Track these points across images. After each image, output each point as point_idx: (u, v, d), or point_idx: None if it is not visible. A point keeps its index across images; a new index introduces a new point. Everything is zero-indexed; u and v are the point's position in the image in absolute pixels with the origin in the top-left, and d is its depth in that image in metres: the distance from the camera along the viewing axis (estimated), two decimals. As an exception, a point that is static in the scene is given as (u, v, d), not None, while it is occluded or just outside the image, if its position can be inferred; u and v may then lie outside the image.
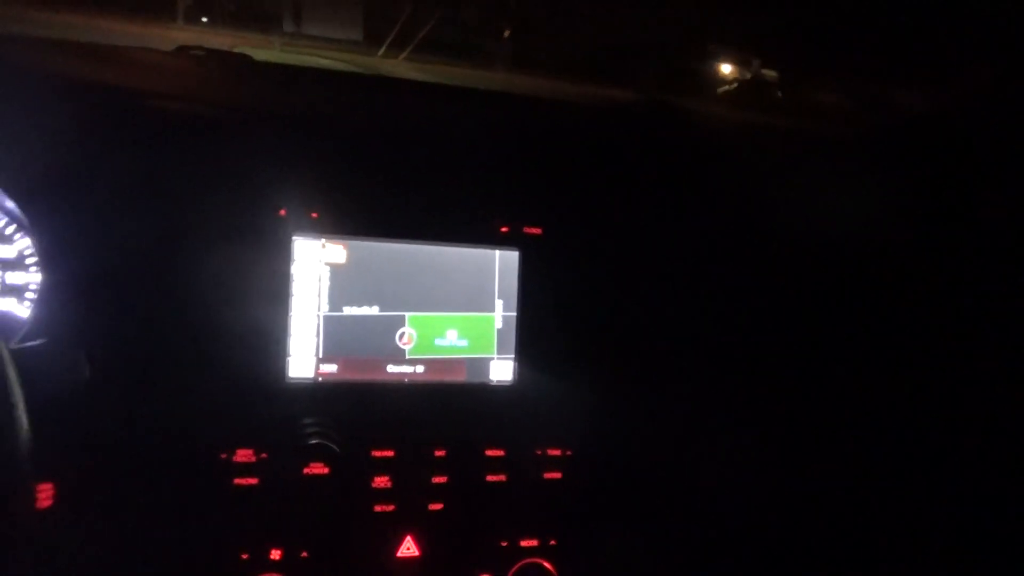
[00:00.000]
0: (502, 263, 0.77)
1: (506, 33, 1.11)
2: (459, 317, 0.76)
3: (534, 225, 0.78)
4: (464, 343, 0.76)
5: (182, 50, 0.99)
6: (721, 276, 0.84)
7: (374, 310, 0.74)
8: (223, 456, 0.67)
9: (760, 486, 0.83)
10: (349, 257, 0.73)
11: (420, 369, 0.75)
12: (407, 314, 0.75)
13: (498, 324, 0.77)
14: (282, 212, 0.71)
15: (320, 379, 0.72)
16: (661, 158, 0.89)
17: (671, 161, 0.90)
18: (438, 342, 0.76)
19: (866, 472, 0.88)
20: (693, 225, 0.85)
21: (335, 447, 0.68)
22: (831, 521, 0.88)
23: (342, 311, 0.73)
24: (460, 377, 0.76)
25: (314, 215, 0.72)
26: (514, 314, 0.77)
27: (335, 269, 0.73)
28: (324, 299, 0.73)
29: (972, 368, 0.90)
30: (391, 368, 0.74)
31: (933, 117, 1.03)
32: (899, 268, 0.93)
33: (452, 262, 0.76)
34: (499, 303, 0.77)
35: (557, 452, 0.76)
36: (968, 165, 0.93)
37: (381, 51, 1.12)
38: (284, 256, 0.71)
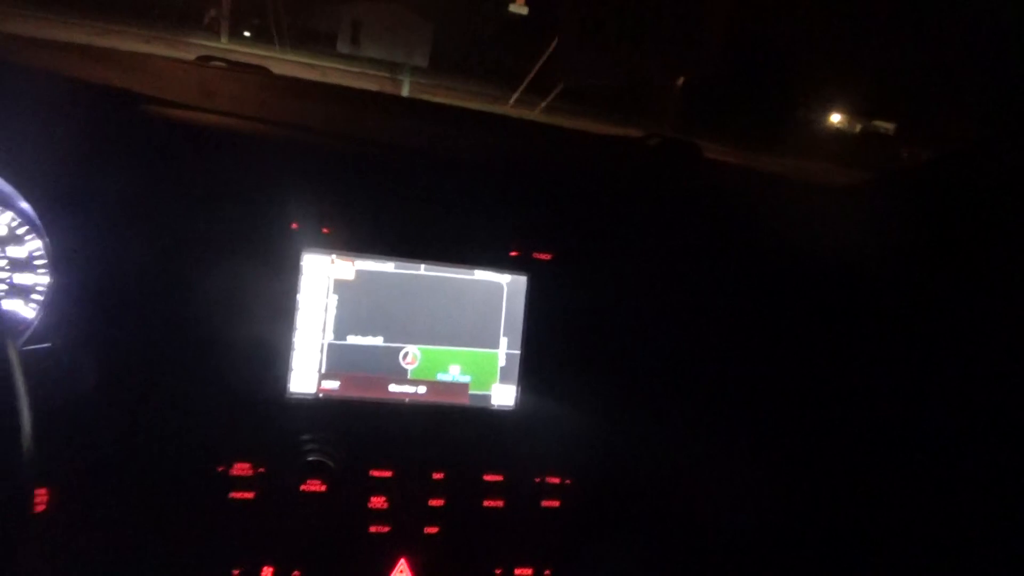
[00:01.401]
0: (509, 295, 0.77)
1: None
2: (462, 352, 0.76)
3: (544, 251, 0.78)
4: (467, 379, 0.76)
5: (203, 60, 1.01)
6: (730, 309, 0.84)
7: (378, 340, 0.74)
8: (220, 469, 0.67)
9: (764, 520, 0.82)
10: (357, 277, 0.73)
11: (422, 390, 0.75)
12: (410, 347, 0.75)
13: (501, 362, 0.77)
14: (294, 226, 0.71)
15: (321, 395, 0.72)
16: (673, 193, 0.90)
17: (683, 196, 0.91)
18: (440, 376, 0.75)
19: (872, 503, 0.87)
20: (703, 259, 0.85)
21: (333, 464, 0.67)
22: (837, 557, 0.87)
23: (346, 340, 0.73)
24: (462, 400, 0.76)
25: (326, 230, 0.72)
26: (518, 352, 0.77)
27: (342, 289, 0.73)
28: (330, 325, 0.72)
29: (975, 394, 0.90)
30: (393, 387, 0.74)
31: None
32: (899, 292, 0.93)
33: (458, 293, 0.76)
34: (504, 340, 0.77)
35: (556, 480, 0.76)
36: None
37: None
38: (293, 270, 0.71)
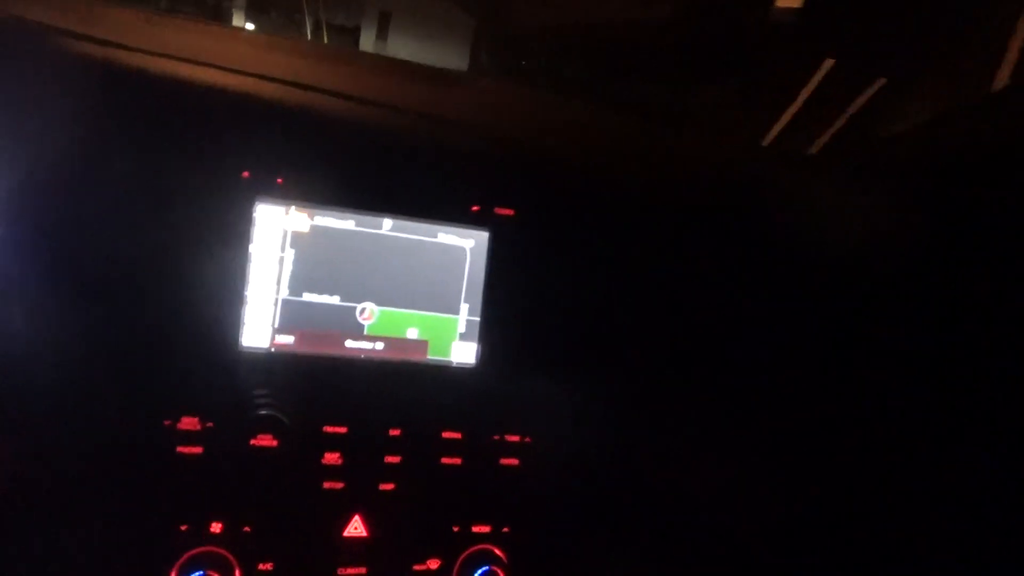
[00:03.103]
0: (473, 259, 0.75)
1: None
2: (421, 316, 0.74)
3: (506, 207, 0.76)
4: (426, 339, 0.75)
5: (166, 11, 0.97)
6: (699, 272, 0.84)
7: (335, 299, 0.72)
8: (167, 423, 0.65)
9: (722, 481, 0.82)
10: (315, 232, 0.71)
11: (380, 346, 0.73)
12: (368, 303, 0.73)
13: (461, 328, 0.75)
14: (246, 174, 0.69)
15: (274, 350, 0.70)
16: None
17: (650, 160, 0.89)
18: (398, 334, 0.74)
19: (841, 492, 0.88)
20: (670, 220, 0.84)
21: (285, 419, 0.65)
22: (792, 517, 0.87)
23: (301, 296, 0.71)
24: (421, 357, 0.74)
25: (279, 180, 0.70)
26: (478, 319, 0.75)
27: (299, 244, 0.70)
28: (285, 280, 0.70)
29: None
30: (350, 343, 0.72)
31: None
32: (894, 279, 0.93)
33: (420, 255, 0.74)
34: (465, 306, 0.75)
35: (516, 438, 0.75)
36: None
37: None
38: (245, 221, 0.69)
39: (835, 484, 0.89)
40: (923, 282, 0.94)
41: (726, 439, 0.82)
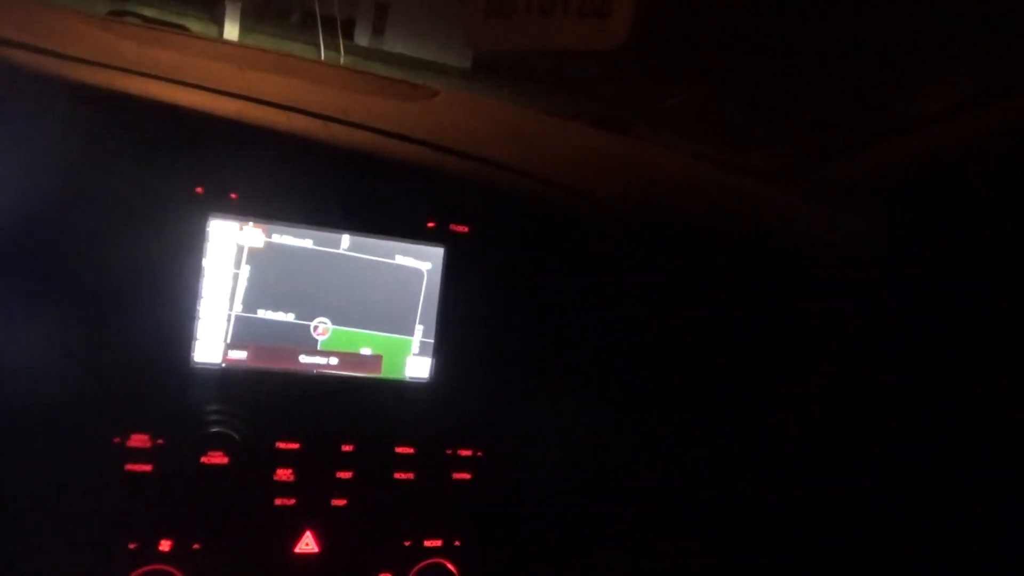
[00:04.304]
0: (429, 281, 0.76)
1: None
2: (375, 337, 0.75)
3: (461, 223, 0.77)
4: (380, 355, 0.75)
5: (115, 15, 0.95)
6: (654, 285, 0.85)
7: (289, 317, 0.72)
8: (116, 440, 0.64)
9: (676, 495, 0.84)
10: (270, 249, 0.71)
11: (334, 361, 0.74)
12: (322, 319, 0.73)
13: (415, 349, 0.76)
14: (199, 190, 0.69)
15: (226, 365, 0.70)
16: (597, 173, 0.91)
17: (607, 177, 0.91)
18: (352, 350, 0.74)
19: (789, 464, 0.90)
20: (626, 234, 0.86)
21: (236, 436, 0.66)
22: (745, 532, 0.90)
23: (255, 313, 0.71)
24: (374, 372, 0.75)
25: (234, 195, 0.70)
26: (432, 341, 0.76)
27: (252, 259, 0.70)
28: (239, 296, 0.70)
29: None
30: (303, 359, 0.72)
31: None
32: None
33: (377, 276, 0.74)
34: (419, 328, 0.76)
35: (469, 452, 0.76)
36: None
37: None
38: (198, 236, 0.68)
39: (790, 511, 0.91)
40: (894, 288, 0.98)
41: (680, 454, 0.84)
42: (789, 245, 0.99)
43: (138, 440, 0.65)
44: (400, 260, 0.75)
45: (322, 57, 1.19)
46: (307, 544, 0.70)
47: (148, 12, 1.29)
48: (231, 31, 1.35)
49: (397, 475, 0.73)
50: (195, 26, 1.36)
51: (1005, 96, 1.04)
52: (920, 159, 1.14)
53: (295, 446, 0.69)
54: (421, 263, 0.75)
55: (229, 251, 0.70)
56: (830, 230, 1.08)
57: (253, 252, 0.71)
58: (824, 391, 0.93)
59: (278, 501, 0.69)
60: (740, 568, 0.91)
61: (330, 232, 0.72)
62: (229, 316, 0.70)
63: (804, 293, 0.95)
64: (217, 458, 0.66)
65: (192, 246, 0.68)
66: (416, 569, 0.74)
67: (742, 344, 0.90)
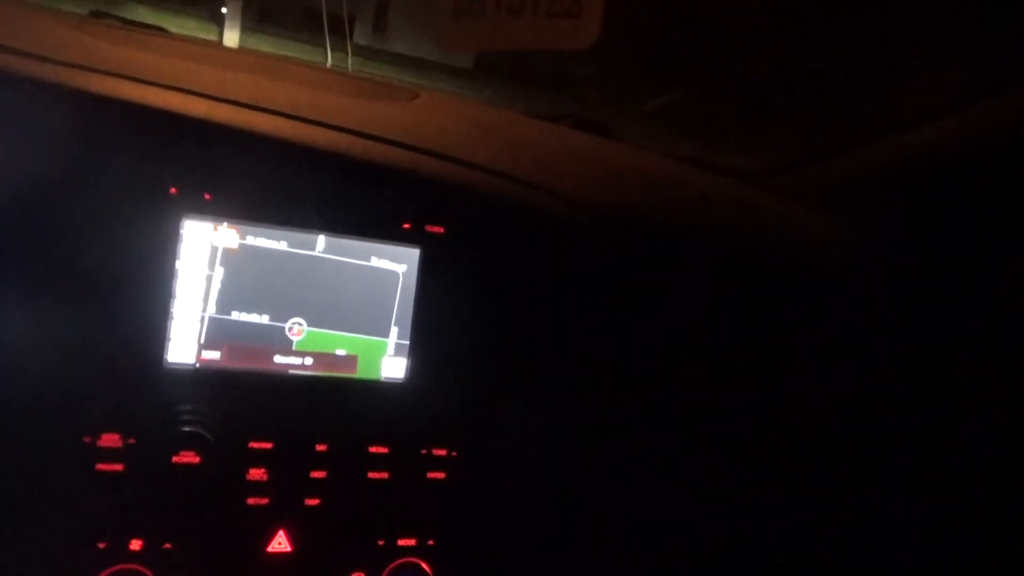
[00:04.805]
0: (404, 283, 0.76)
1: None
2: (351, 339, 0.75)
3: (437, 224, 0.77)
4: (355, 355, 0.75)
5: (97, 15, 0.95)
6: (631, 286, 0.86)
7: (264, 318, 0.72)
8: (87, 439, 0.64)
9: (652, 495, 0.85)
10: (244, 250, 0.71)
11: (308, 361, 0.74)
12: (297, 319, 0.73)
13: (390, 351, 0.76)
14: (173, 191, 0.69)
15: (200, 365, 0.70)
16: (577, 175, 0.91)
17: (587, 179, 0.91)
18: (327, 350, 0.74)
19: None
20: (603, 236, 0.86)
21: (208, 436, 0.66)
22: (719, 532, 0.90)
23: (229, 315, 0.71)
24: (349, 372, 0.75)
25: (207, 196, 0.70)
26: (407, 342, 0.76)
27: (227, 260, 0.71)
28: (213, 297, 0.70)
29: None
30: (278, 359, 0.73)
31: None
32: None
33: (352, 278, 0.74)
34: (395, 330, 0.76)
35: (443, 452, 0.76)
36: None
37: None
38: (172, 237, 0.69)
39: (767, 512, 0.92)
40: (877, 290, 0.99)
41: (653, 454, 0.84)
42: (771, 247, 0.99)
43: (109, 440, 0.65)
44: (376, 262, 0.75)
45: (328, 57, 1.19)
46: (280, 543, 0.71)
47: (143, 12, 1.29)
48: (231, 33, 1.36)
49: (371, 475, 0.73)
50: (194, 27, 1.36)
51: (990, 97, 1.06)
52: (903, 161, 1.15)
53: (268, 446, 0.70)
54: (397, 265, 0.76)
55: (203, 252, 0.70)
56: (812, 232, 1.09)
57: (227, 253, 0.71)
58: (799, 394, 0.94)
59: (251, 500, 0.69)
60: (718, 569, 0.92)
61: (305, 233, 0.73)
62: (203, 316, 0.70)
63: (785, 295, 0.96)
64: (188, 457, 0.66)
65: (166, 247, 0.68)
66: (390, 568, 0.74)
67: (720, 346, 0.91)
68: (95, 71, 0.71)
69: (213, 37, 1.33)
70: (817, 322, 0.96)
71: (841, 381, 0.96)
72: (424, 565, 0.75)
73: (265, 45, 1.28)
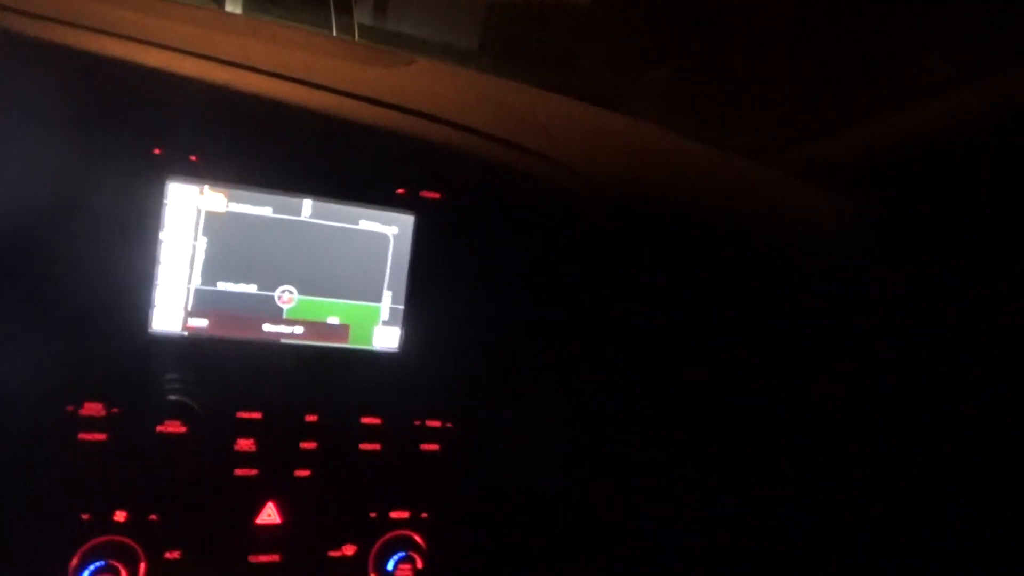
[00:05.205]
0: (396, 247, 0.74)
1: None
2: (342, 305, 0.73)
3: (433, 190, 0.75)
4: (347, 324, 0.73)
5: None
6: (628, 260, 0.84)
7: (251, 288, 0.70)
8: (70, 408, 0.62)
9: (643, 468, 0.83)
10: (231, 215, 0.69)
11: (299, 330, 0.72)
12: (287, 287, 0.71)
13: (384, 316, 0.74)
14: (157, 151, 0.66)
15: (187, 334, 0.68)
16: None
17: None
18: (318, 319, 0.72)
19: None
20: (603, 209, 0.84)
21: (194, 405, 0.64)
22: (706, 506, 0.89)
23: (217, 280, 0.69)
24: (342, 342, 0.73)
25: (193, 157, 0.67)
26: (401, 307, 0.74)
27: (213, 229, 0.68)
28: (199, 264, 0.68)
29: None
30: (268, 327, 0.70)
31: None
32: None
33: (342, 243, 0.72)
34: (388, 294, 0.74)
35: (437, 424, 0.74)
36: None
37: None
38: (156, 199, 0.66)
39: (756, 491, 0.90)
40: (880, 269, 0.97)
41: (653, 433, 0.83)
42: (774, 224, 0.97)
43: (92, 409, 0.63)
44: (364, 225, 0.73)
45: (334, 35, 1.16)
46: (269, 515, 0.69)
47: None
48: (233, 9, 1.33)
49: (363, 446, 0.71)
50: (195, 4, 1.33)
51: (990, 75, 1.03)
52: (903, 138, 1.12)
53: (257, 416, 0.68)
54: (387, 227, 0.73)
55: (189, 216, 0.68)
56: (814, 208, 1.06)
57: (213, 217, 0.68)
58: (800, 378, 0.92)
59: (239, 471, 0.67)
60: (711, 555, 0.90)
61: (295, 197, 0.70)
62: (189, 282, 0.68)
63: (789, 273, 0.94)
64: (174, 427, 0.64)
65: (149, 209, 0.66)
66: (382, 541, 0.72)
67: (722, 322, 0.89)
68: (77, 26, 0.68)
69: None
70: (820, 303, 0.94)
71: (845, 365, 0.94)
72: (417, 538, 0.73)
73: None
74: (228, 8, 1.31)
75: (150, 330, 0.66)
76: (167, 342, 0.67)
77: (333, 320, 0.73)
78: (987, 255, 1.01)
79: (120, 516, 0.64)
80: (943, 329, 0.98)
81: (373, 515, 0.72)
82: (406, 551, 0.72)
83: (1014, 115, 0.97)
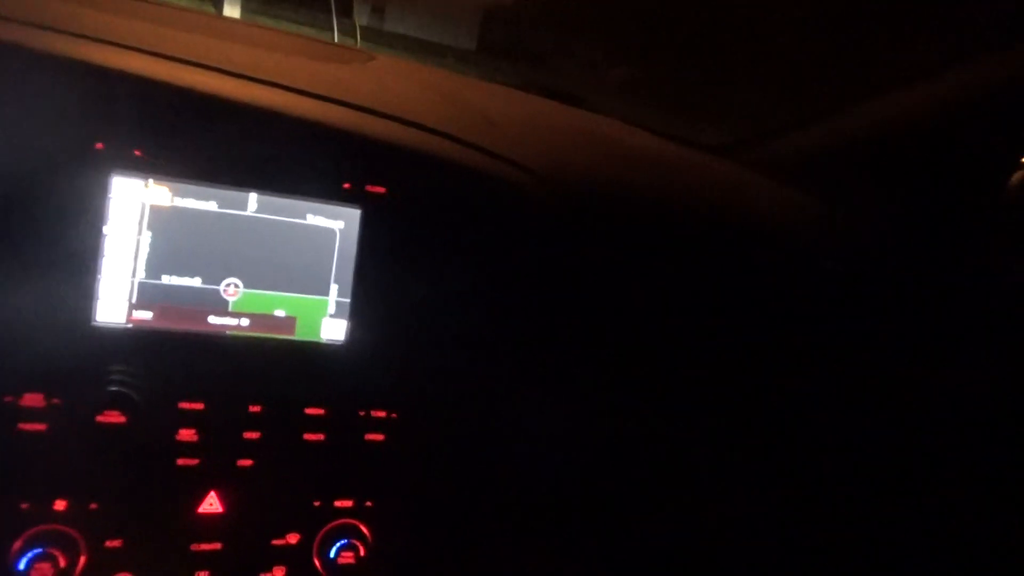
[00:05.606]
0: (342, 241, 0.75)
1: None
2: (289, 299, 0.74)
3: (378, 184, 0.76)
4: (294, 317, 0.74)
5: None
6: (572, 250, 0.85)
7: (196, 281, 0.71)
8: (8, 399, 0.63)
9: (593, 453, 0.84)
10: (176, 211, 0.70)
11: (245, 322, 0.72)
12: (232, 279, 0.72)
13: (331, 310, 0.75)
14: (99, 146, 0.67)
15: (131, 326, 0.68)
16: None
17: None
18: (264, 311, 0.73)
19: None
20: (551, 201, 0.85)
21: (134, 395, 0.65)
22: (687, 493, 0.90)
23: (162, 272, 0.69)
24: (288, 334, 0.74)
25: (137, 152, 0.68)
26: (348, 300, 0.75)
27: (158, 222, 0.69)
28: (143, 257, 0.69)
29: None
30: (213, 319, 0.71)
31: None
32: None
33: (288, 238, 0.73)
34: (334, 287, 0.75)
35: (383, 414, 0.75)
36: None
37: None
38: (99, 193, 0.67)
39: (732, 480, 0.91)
40: (846, 263, 0.98)
41: (595, 419, 0.84)
42: (740, 220, 0.98)
43: (32, 399, 0.63)
44: (311, 219, 0.74)
45: (335, 39, 1.17)
46: (211, 504, 0.70)
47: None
48: (231, 11, 1.33)
49: (307, 436, 0.72)
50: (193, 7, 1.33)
51: (960, 68, 1.04)
52: (870, 133, 1.13)
53: (199, 406, 0.68)
54: (333, 222, 0.74)
55: (133, 209, 0.69)
56: (781, 204, 1.08)
57: (158, 211, 0.69)
58: (765, 369, 0.93)
59: (181, 461, 0.68)
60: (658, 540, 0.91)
61: (240, 191, 0.71)
62: (134, 275, 0.69)
63: (753, 268, 0.95)
64: (114, 417, 0.65)
65: (94, 203, 0.67)
66: (326, 530, 0.73)
67: (674, 316, 0.90)
68: (21, 23, 0.69)
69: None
70: (787, 299, 0.95)
71: (815, 363, 0.95)
72: (361, 527, 0.74)
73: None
74: (226, 12, 1.31)
75: (93, 322, 0.67)
76: (110, 334, 0.68)
77: (280, 313, 0.74)
78: (951, 245, 1.02)
79: (60, 505, 0.64)
80: (905, 325, 0.99)
81: (317, 504, 0.73)
82: (349, 539, 0.73)
83: (983, 105, 0.98)
